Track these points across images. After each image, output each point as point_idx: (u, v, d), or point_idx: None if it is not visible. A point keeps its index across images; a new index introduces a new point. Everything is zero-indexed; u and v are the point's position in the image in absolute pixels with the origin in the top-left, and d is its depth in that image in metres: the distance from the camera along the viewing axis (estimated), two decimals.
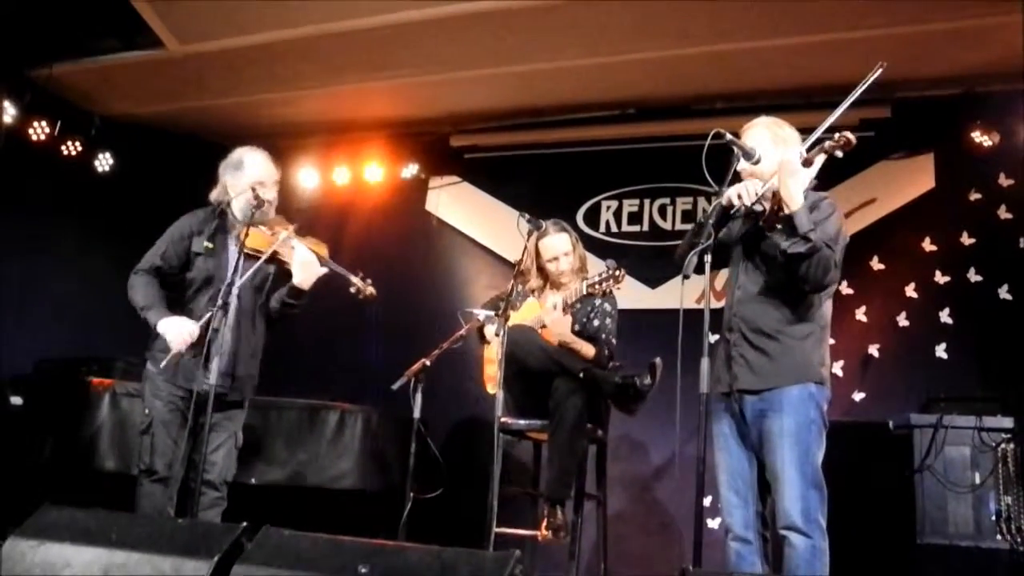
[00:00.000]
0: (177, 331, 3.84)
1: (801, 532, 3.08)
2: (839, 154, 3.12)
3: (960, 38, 5.27)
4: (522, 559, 2.31)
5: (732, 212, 3.27)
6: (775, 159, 3.26)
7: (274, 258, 4.08)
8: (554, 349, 4.43)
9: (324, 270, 4.09)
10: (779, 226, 3.22)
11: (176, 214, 4.19)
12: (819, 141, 3.15)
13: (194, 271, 4.04)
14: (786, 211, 3.15)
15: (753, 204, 3.20)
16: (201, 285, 4.02)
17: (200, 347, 3.77)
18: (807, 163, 3.15)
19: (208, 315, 3.74)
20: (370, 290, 4.20)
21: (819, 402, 3.24)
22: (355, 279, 4.18)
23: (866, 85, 3.15)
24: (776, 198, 3.19)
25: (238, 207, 4.09)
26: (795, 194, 3.14)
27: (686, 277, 3.08)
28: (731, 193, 3.23)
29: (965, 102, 5.81)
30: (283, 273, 4.12)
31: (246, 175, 4.10)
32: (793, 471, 3.13)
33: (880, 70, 3.13)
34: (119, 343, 5.65)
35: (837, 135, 3.07)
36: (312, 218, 6.72)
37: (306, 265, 4.03)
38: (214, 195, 4.19)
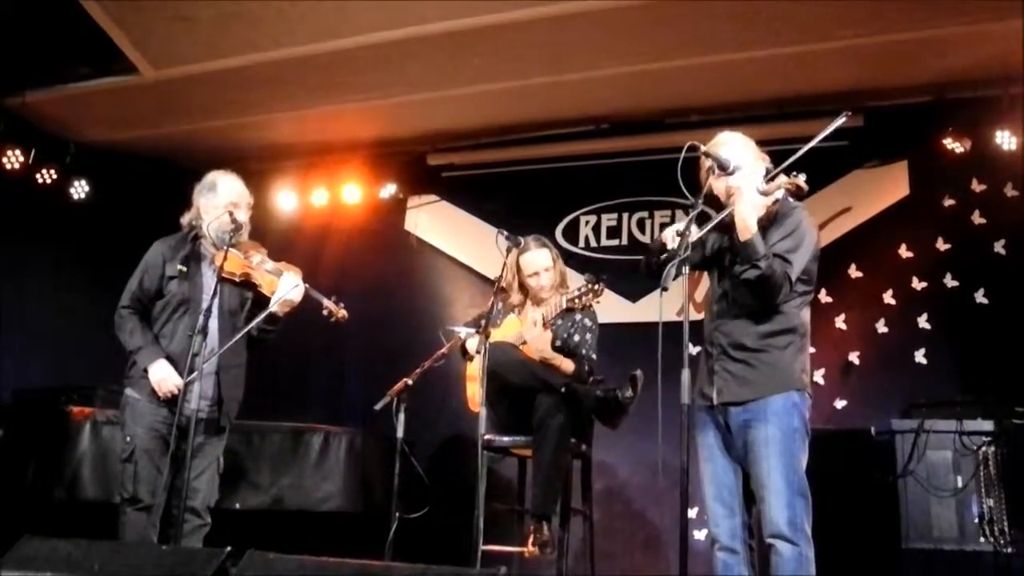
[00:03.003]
0: (161, 379, 3.88)
1: (788, 540, 3.10)
2: (790, 200, 3.31)
3: (930, 47, 5.33)
4: None
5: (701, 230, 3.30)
6: (759, 173, 3.30)
7: (250, 283, 4.08)
8: (536, 365, 4.43)
9: (300, 298, 4.10)
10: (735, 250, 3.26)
11: (153, 240, 4.18)
12: (777, 176, 3.22)
13: (168, 295, 4.02)
14: (740, 239, 3.19)
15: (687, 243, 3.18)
16: (176, 309, 4.01)
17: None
18: (764, 194, 3.22)
19: (192, 376, 3.74)
20: (342, 312, 4.22)
21: (802, 410, 3.26)
22: (327, 302, 4.19)
23: (831, 130, 3.21)
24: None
25: (212, 230, 4.08)
26: (749, 223, 3.17)
27: (664, 289, 3.09)
28: (667, 234, 3.29)
29: (936, 109, 5.87)
30: (259, 296, 4.12)
31: (220, 197, 4.11)
32: (779, 480, 3.14)
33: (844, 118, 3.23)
34: (97, 371, 5.62)
35: (793, 176, 3.18)
36: (291, 240, 6.71)
37: (286, 303, 4.04)
38: (186, 219, 4.19)
